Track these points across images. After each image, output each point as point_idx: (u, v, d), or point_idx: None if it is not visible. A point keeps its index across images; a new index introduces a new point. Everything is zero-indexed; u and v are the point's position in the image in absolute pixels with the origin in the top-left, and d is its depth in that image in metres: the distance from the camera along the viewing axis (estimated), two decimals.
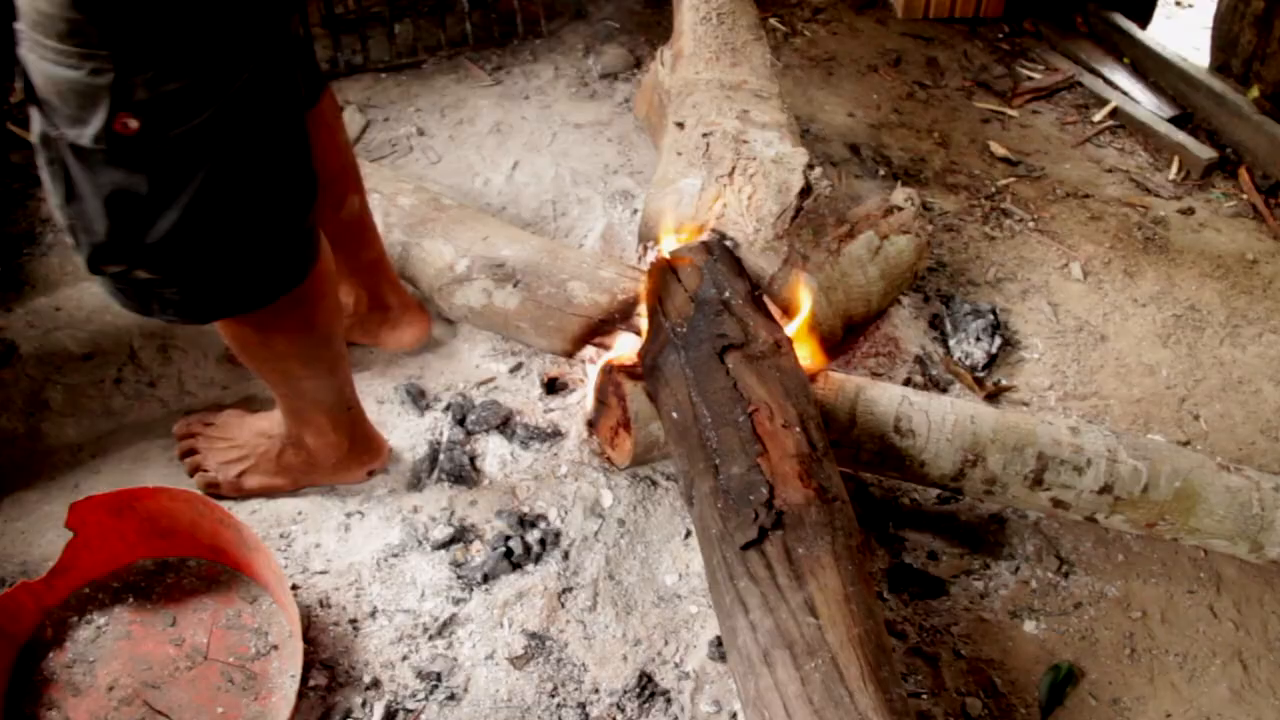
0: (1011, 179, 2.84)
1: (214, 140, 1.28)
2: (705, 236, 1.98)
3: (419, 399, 2.10)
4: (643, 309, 1.92)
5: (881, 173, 2.79)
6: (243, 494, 1.93)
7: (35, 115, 1.27)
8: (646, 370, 1.82)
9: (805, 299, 2.00)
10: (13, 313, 2.30)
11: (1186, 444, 2.17)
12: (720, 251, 1.90)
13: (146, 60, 1.19)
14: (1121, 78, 3.27)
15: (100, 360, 2.19)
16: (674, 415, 1.70)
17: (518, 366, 2.18)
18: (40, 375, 2.15)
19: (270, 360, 1.68)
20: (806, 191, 2.12)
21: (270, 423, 1.92)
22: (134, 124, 1.22)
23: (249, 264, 1.45)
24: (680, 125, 2.29)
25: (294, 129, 1.42)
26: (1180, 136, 3.01)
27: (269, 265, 1.48)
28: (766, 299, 1.92)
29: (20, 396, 2.11)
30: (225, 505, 1.79)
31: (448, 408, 2.08)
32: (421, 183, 2.54)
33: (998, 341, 2.31)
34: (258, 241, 1.43)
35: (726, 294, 1.79)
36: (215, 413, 2.03)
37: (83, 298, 2.31)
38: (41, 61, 1.20)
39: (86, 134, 1.23)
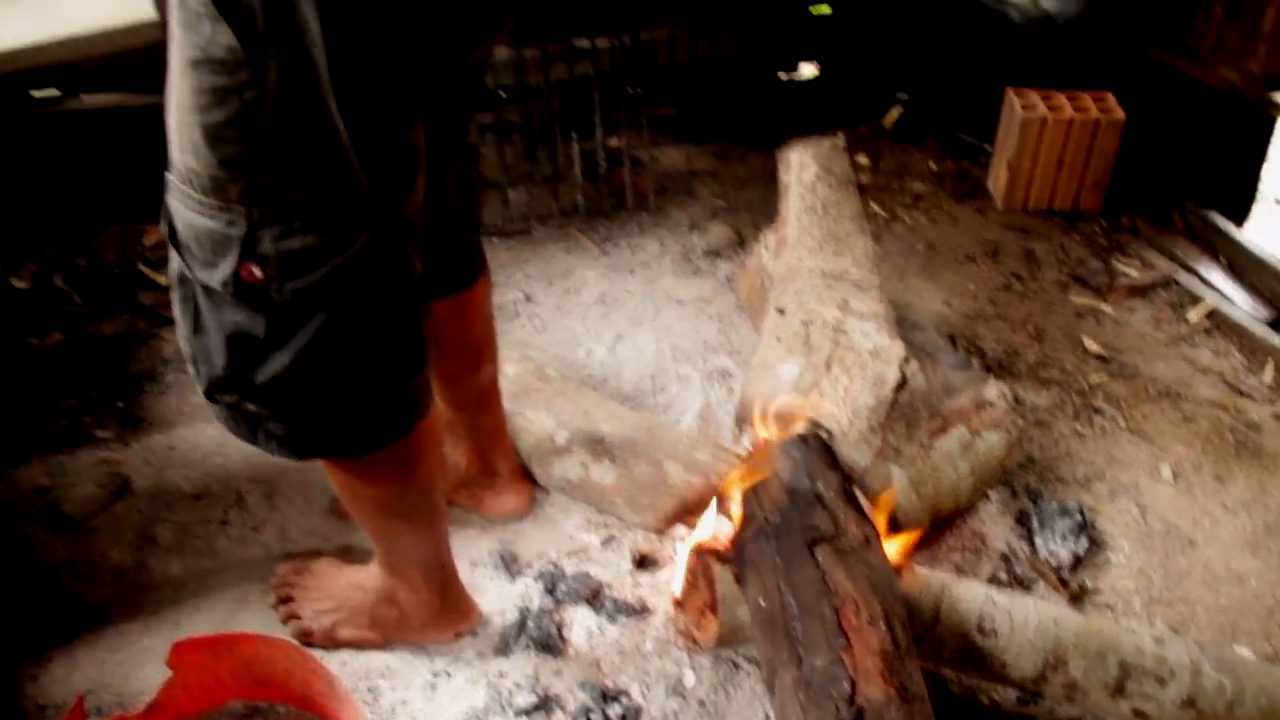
0: (1104, 376, 2.86)
1: (329, 296, 1.40)
2: (801, 426, 2.03)
3: (511, 564, 2.15)
4: (735, 492, 1.97)
5: (975, 364, 2.82)
6: (335, 644, 1.98)
7: (174, 256, 1.41)
8: (737, 556, 1.86)
9: (895, 495, 2.03)
10: (130, 448, 2.40)
11: (1275, 658, 2.15)
12: (815, 443, 1.94)
13: (275, 218, 1.33)
14: (1217, 277, 3.29)
15: (209, 501, 2.28)
16: (761, 603, 1.73)
17: (610, 539, 2.23)
18: (151, 511, 2.25)
19: (368, 508, 1.76)
20: (901, 385, 2.16)
21: (365, 575, 1.98)
22: (258, 273, 1.35)
23: (351, 413, 1.55)
24: (781, 311, 2.36)
25: (408, 296, 1.53)
26: (1277, 340, 3.01)
27: (371, 416, 1.57)
28: (857, 491, 1.95)
29: (131, 530, 2.20)
30: (317, 654, 1.85)
31: (539, 576, 2.12)
32: (527, 350, 2.64)
33: (1084, 542, 2.31)
34: (361, 394, 1.53)
35: (819, 486, 1.83)
36: (313, 560, 2.10)
37: (197, 439, 2.41)
38: (185, 209, 1.35)
39: (216, 277, 1.36)
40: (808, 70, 4.17)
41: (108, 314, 2.84)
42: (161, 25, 2.43)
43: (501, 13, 1.53)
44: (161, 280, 2.92)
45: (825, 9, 4.02)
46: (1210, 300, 3.19)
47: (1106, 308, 3.17)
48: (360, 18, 1.25)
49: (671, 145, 3.75)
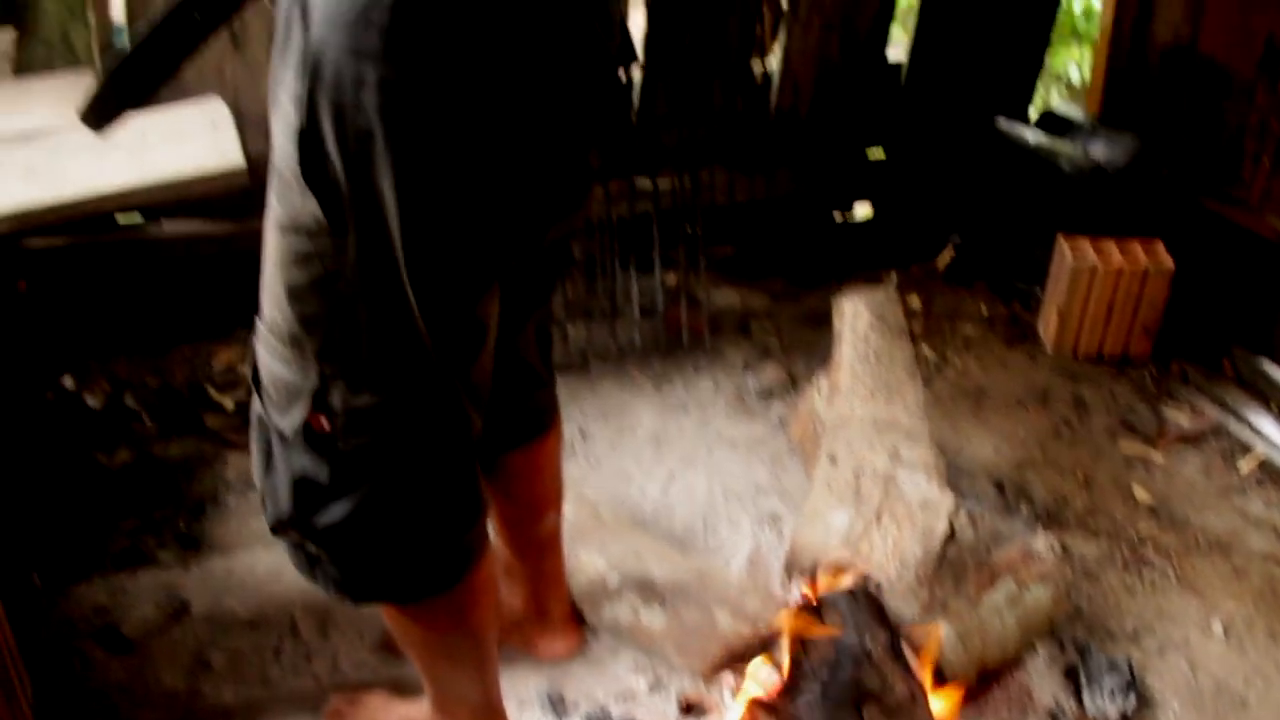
0: (1154, 527, 2.85)
1: (390, 454, 1.48)
2: (850, 579, 2.05)
3: (558, 705, 2.16)
4: (784, 644, 1.99)
5: (1024, 511, 2.83)
6: None
7: (254, 398, 1.50)
8: (783, 709, 1.87)
9: (942, 649, 2.05)
10: (189, 571, 2.46)
11: None
12: (864, 597, 1.97)
13: (345, 376, 1.41)
14: (1268, 425, 3.28)
15: (263, 628, 2.32)
16: None
17: (657, 683, 2.23)
18: (207, 636, 2.29)
19: (420, 649, 1.80)
20: (950, 537, 2.19)
21: (416, 711, 2.00)
22: (327, 425, 1.43)
23: (406, 562, 1.60)
24: (833, 459, 2.40)
25: (466, 458, 1.59)
26: None
27: (425, 567, 1.62)
28: (904, 645, 1.97)
29: (186, 654, 2.25)
30: None
31: (586, 719, 2.13)
32: (582, 490, 2.69)
33: (1133, 699, 2.29)
34: (416, 546, 1.59)
35: (867, 641, 1.86)
36: (365, 693, 2.13)
37: (255, 566, 2.46)
38: (267, 356, 1.45)
39: (288, 423, 1.45)
40: (862, 212, 4.25)
41: (174, 435, 2.92)
42: (248, 172, 2.56)
43: (578, 197, 1.60)
44: (227, 404, 3.00)
45: (880, 153, 4.11)
46: (1261, 450, 3.18)
47: (1156, 456, 3.17)
48: (435, 202, 1.33)
49: (728, 284, 3.81)
